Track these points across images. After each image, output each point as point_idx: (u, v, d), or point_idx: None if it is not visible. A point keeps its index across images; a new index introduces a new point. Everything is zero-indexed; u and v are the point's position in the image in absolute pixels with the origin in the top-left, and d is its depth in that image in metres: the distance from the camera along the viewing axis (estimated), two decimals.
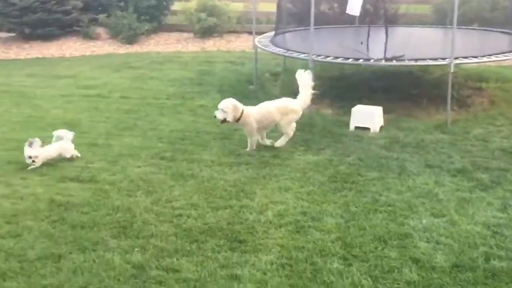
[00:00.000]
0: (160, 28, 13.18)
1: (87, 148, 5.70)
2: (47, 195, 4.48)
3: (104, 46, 12.70)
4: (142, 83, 8.76)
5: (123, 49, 12.39)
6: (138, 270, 3.40)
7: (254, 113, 5.60)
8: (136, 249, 3.63)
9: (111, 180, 4.81)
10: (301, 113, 5.77)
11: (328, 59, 6.85)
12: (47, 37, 12.89)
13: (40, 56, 11.91)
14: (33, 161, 5.21)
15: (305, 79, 5.83)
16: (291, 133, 5.70)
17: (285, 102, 5.76)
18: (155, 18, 12.95)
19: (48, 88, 8.64)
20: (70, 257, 3.53)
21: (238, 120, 5.52)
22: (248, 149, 5.59)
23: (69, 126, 6.40)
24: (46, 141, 5.42)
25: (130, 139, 5.99)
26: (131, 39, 12.50)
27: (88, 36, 13.08)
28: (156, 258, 3.52)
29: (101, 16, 13.17)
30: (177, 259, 3.50)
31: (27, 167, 5.17)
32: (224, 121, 5.53)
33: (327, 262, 3.43)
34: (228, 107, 5.44)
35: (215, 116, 5.55)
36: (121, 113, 7.06)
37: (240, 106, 5.53)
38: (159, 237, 3.80)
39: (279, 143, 5.67)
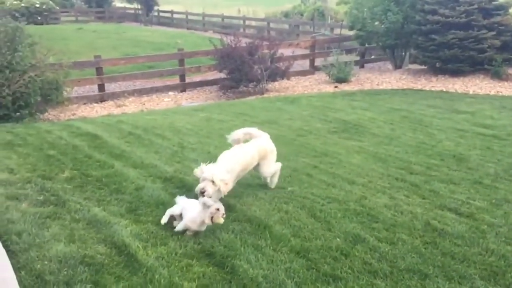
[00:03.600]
0: None
1: (471, 184, 5.61)
2: (425, 217, 4.67)
3: (511, 88, 12.13)
4: None
5: None
6: None
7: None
8: None
9: (491, 222, 4.61)
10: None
11: None
12: (455, 73, 13.30)
13: (444, 89, 12.44)
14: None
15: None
16: None
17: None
18: None
19: (445, 120, 8.93)
20: (435, 280, 3.60)
21: None
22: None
23: (457, 159, 6.49)
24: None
25: None
26: None
27: (497, 76, 12.77)
28: None
29: None
30: None
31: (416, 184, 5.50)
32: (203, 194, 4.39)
33: None
34: (223, 179, 4.48)
35: (203, 193, 4.37)
36: None
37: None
38: None
39: None
